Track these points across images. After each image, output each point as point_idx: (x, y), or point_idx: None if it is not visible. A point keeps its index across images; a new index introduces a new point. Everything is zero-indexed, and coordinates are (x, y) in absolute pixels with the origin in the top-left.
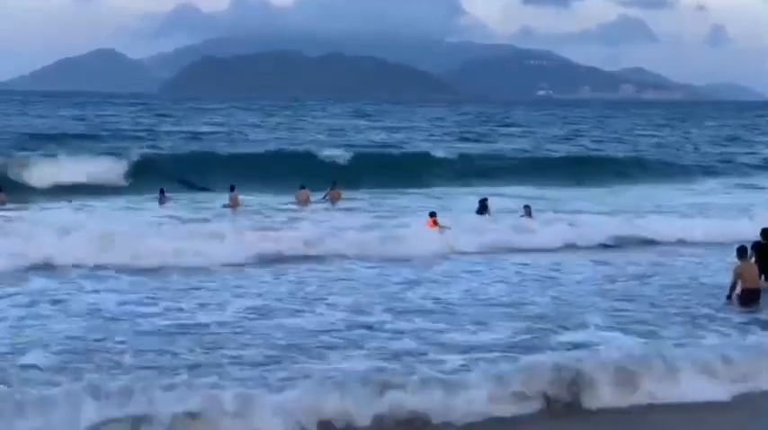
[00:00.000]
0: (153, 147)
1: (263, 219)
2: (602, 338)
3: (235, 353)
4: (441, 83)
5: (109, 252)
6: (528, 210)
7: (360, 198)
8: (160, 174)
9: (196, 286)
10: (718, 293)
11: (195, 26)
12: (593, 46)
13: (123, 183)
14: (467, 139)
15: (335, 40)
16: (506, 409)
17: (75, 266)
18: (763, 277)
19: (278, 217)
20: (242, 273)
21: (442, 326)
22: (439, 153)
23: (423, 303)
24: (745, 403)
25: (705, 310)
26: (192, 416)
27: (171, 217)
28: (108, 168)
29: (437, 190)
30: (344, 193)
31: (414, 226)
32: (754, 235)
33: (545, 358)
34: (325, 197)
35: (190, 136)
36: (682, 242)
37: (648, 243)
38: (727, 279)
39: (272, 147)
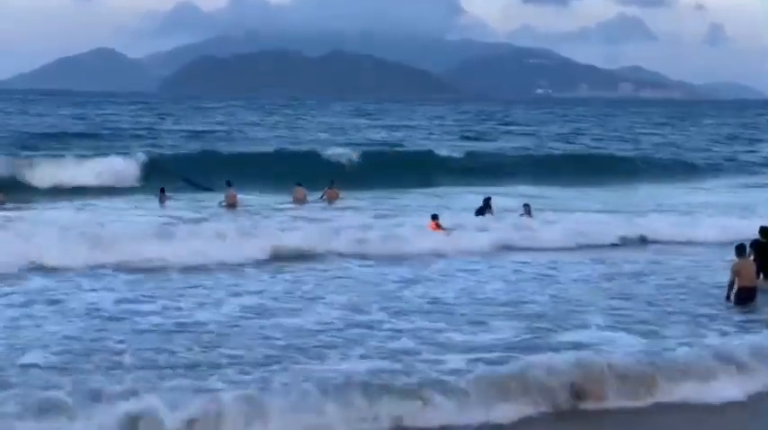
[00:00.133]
0: (154, 146)
1: (261, 218)
2: (604, 338)
3: (234, 353)
4: (440, 82)
5: (107, 251)
6: (527, 209)
7: (359, 197)
8: (162, 174)
9: (194, 286)
10: (718, 293)
11: (194, 25)
12: (591, 44)
13: (124, 182)
14: (468, 138)
15: (335, 39)
16: (509, 411)
17: (73, 266)
18: (761, 276)
19: (275, 216)
20: (239, 272)
21: (440, 325)
22: (440, 152)
23: (421, 302)
24: (751, 403)
25: (705, 310)
26: (192, 419)
27: (170, 216)
28: (109, 168)
29: (438, 189)
30: (344, 192)
31: (414, 224)
32: (756, 233)
33: (547, 358)
34: (322, 197)
35: (191, 135)
36: (682, 241)
37: (649, 241)
38: (726, 278)
39: (273, 146)
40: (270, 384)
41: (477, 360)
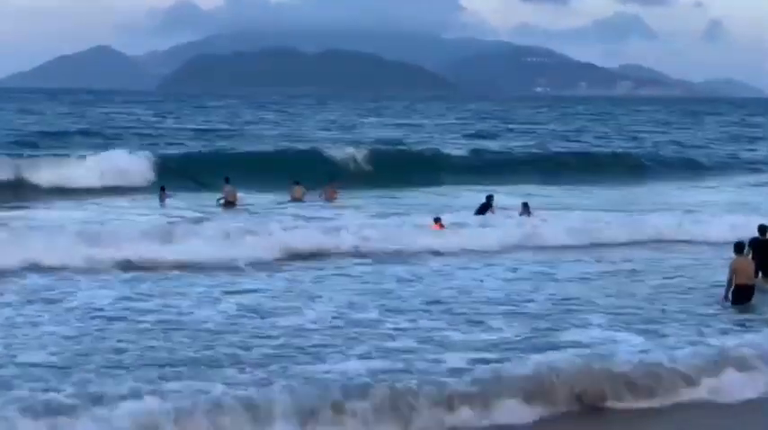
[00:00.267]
0: (155, 144)
1: (259, 217)
2: (606, 337)
3: (233, 352)
4: (438, 79)
5: (106, 250)
6: (526, 208)
7: (363, 195)
8: (164, 172)
9: (193, 284)
10: (718, 292)
11: (194, 23)
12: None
13: (125, 181)
14: (471, 136)
15: (333, 36)
16: (511, 413)
17: (72, 265)
18: (760, 274)
19: (273, 215)
20: (238, 271)
21: (439, 324)
22: (444, 150)
23: (420, 301)
24: (760, 403)
25: (706, 309)
26: (193, 418)
27: (171, 215)
28: (109, 167)
29: (441, 188)
30: (346, 190)
31: (414, 223)
32: (755, 231)
33: (551, 359)
34: (321, 194)
35: (193, 133)
36: (685, 239)
37: (651, 240)
38: (725, 276)
39: (276, 144)
40: (270, 384)
41: (479, 360)
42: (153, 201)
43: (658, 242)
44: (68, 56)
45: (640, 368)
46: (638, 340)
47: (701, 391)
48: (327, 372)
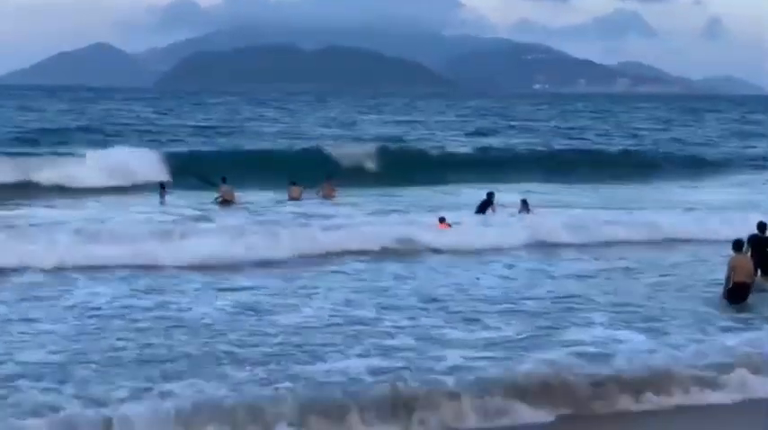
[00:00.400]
0: (156, 141)
1: (256, 215)
2: (608, 336)
3: (232, 350)
4: (437, 76)
5: (104, 249)
6: (525, 205)
7: (359, 193)
8: (167, 170)
9: (190, 282)
10: (716, 290)
11: (193, 20)
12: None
13: (125, 179)
14: (472, 134)
15: (332, 33)
16: (513, 413)
17: (70, 263)
18: (759, 272)
19: (271, 214)
20: (236, 269)
21: (438, 322)
22: (447, 148)
23: (418, 299)
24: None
25: (705, 306)
26: (193, 419)
27: (169, 213)
28: (109, 165)
29: (444, 186)
30: (347, 187)
31: (412, 220)
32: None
33: (551, 357)
34: (318, 192)
35: (193, 130)
36: (687, 237)
37: (649, 237)
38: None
39: (277, 142)
40: (271, 384)
41: (479, 358)
42: (153, 198)
43: (658, 240)
44: (68, 53)
45: (648, 369)
46: (640, 338)
47: (711, 392)
48: (328, 371)
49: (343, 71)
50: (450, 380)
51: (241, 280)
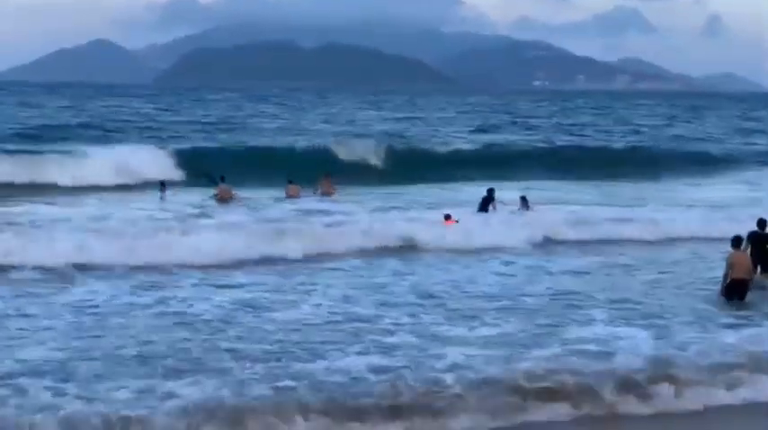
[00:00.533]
0: (157, 138)
1: (255, 212)
2: (610, 334)
3: (233, 347)
4: (438, 74)
5: (103, 248)
6: (525, 202)
7: (360, 190)
8: (169, 167)
9: (189, 280)
10: (715, 287)
11: (192, 17)
12: (589, 36)
13: (125, 177)
14: (472, 131)
15: (332, 30)
16: (516, 413)
17: (69, 261)
18: (758, 268)
19: (270, 212)
20: (234, 267)
21: (438, 319)
22: (451, 145)
23: (417, 296)
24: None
25: (705, 303)
26: (193, 418)
27: (169, 210)
28: (110, 164)
29: (444, 184)
30: (347, 184)
31: (412, 217)
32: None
33: (552, 355)
34: (316, 190)
35: (194, 126)
36: (689, 236)
37: (653, 237)
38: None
39: (278, 139)
40: (271, 383)
41: (479, 356)
42: (154, 195)
43: (659, 237)
44: (68, 49)
45: (650, 366)
46: (642, 335)
47: (712, 391)
48: (328, 369)
49: (343, 68)
50: (450, 378)
51: (240, 276)
